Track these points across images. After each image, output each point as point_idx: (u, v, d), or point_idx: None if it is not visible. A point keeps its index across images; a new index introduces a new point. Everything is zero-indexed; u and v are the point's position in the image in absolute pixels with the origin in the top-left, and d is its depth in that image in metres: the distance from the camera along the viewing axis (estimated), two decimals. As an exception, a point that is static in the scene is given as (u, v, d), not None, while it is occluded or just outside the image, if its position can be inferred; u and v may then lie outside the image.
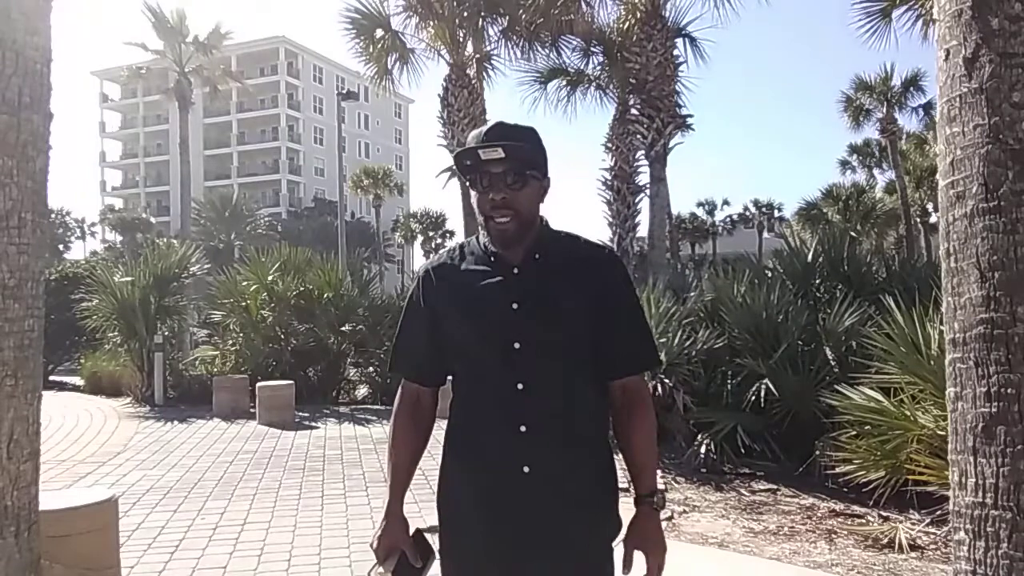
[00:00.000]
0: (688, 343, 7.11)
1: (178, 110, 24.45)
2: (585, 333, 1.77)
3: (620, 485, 1.88)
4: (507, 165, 1.73)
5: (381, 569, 1.81)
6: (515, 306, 1.75)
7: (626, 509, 1.85)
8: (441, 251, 1.97)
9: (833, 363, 6.47)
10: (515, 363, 1.74)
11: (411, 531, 1.87)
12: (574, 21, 14.45)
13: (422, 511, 5.59)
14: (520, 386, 1.73)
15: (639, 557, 1.79)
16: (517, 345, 1.74)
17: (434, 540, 1.89)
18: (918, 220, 34.92)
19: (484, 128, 1.80)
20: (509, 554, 1.75)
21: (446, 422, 1.90)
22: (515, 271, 1.79)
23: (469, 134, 1.83)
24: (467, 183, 1.82)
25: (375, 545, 1.84)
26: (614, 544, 1.81)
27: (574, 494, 1.74)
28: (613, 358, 1.81)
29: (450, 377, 1.90)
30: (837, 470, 5.18)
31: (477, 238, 1.88)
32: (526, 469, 1.72)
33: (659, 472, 6.32)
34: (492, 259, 1.81)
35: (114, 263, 14.46)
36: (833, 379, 5.99)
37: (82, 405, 11.32)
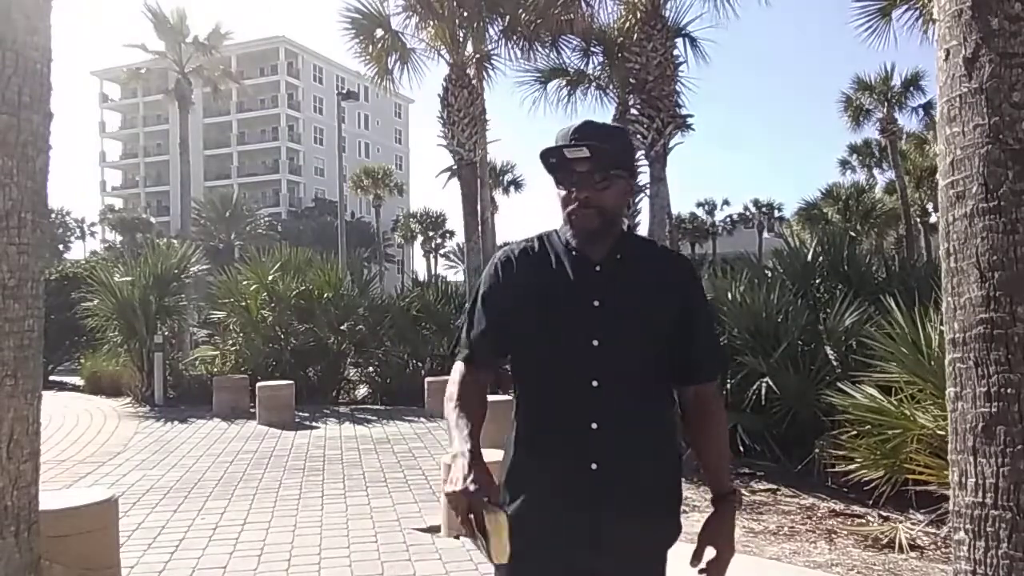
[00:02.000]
0: (688, 343, 7.10)
1: (178, 110, 24.43)
2: (661, 335, 1.78)
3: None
4: (592, 164, 1.73)
5: (484, 512, 1.50)
6: (596, 303, 1.75)
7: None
8: (520, 240, 1.94)
9: (834, 363, 6.46)
10: (592, 360, 1.73)
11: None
12: (574, 21, 14.43)
13: (422, 511, 5.61)
14: (595, 383, 1.72)
15: (709, 553, 1.79)
16: (596, 342, 1.73)
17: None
18: (918, 220, 34.89)
19: (572, 125, 1.80)
20: (574, 551, 1.74)
21: (512, 415, 1.86)
22: (597, 268, 1.79)
23: (558, 130, 1.81)
24: (553, 180, 1.81)
25: (467, 488, 1.54)
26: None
27: (640, 493, 1.74)
28: (690, 365, 1.83)
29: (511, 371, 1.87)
30: (837, 470, 5.18)
31: (557, 232, 1.87)
32: (594, 466, 1.71)
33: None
34: (574, 254, 1.80)
35: (114, 263, 14.45)
36: (833, 379, 5.99)
37: (82, 405, 11.32)
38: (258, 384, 10.17)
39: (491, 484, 1.60)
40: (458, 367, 1.88)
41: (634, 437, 1.74)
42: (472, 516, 1.53)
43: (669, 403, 1.85)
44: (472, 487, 1.54)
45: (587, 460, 1.71)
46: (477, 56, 15.00)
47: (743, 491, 5.84)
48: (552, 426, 1.77)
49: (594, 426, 1.72)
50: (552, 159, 1.76)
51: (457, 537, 4.71)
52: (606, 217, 1.77)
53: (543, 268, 1.82)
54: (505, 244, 2.04)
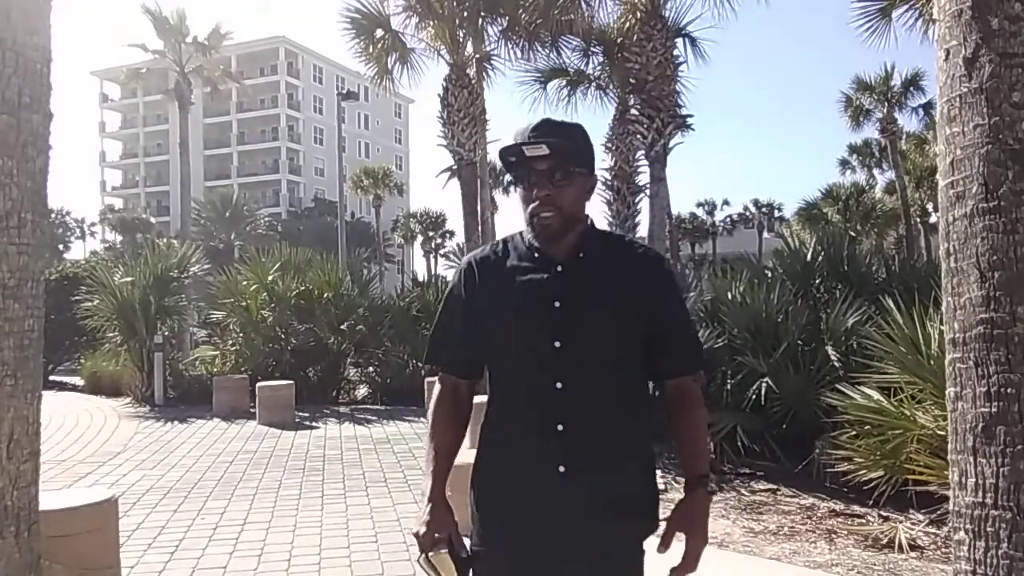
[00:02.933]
0: (688, 343, 7.10)
1: (178, 110, 24.43)
2: (627, 333, 1.76)
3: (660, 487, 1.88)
4: (552, 162, 1.73)
5: (431, 553, 1.72)
6: (557, 304, 1.74)
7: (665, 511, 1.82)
8: (485, 245, 1.96)
9: (834, 363, 6.46)
10: (555, 361, 1.72)
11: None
12: (574, 21, 14.42)
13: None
14: (559, 385, 1.71)
15: (678, 540, 1.75)
16: (558, 344, 1.72)
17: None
18: (918, 220, 34.90)
19: (530, 124, 1.78)
20: (543, 553, 1.73)
21: (482, 418, 1.88)
22: (558, 268, 1.77)
23: (516, 129, 1.80)
24: (512, 179, 1.82)
25: (421, 532, 1.73)
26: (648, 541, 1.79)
27: (609, 494, 1.71)
28: (667, 359, 1.82)
29: (487, 372, 1.89)
30: (837, 470, 5.18)
31: (521, 234, 1.86)
32: (561, 468, 1.70)
33: (659, 472, 6.33)
34: (536, 255, 1.80)
35: (114, 263, 14.46)
36: (833, 379, 5.98)
37: (82, 405, 11.33)
38: (258, 384, 10.17)
39: (445, 527, 1.73)
40: (437, 385, 1.92)
41: (602, 438, 1.72)
42: (428, 555, 1.72)
43: (643, 402, 1.82)
44: (422, 530, 1.73)
45: (554, 462, 1.70)
46: (477, 56, 15.00)
47: (743, 491, 5.84)
48: (519, 428, 1.77)
49: (560, 428, 1.70)
50: (511, 157, 1.75)
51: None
52: (567, 215, 1.76)
53: (506, 271, 1.81)
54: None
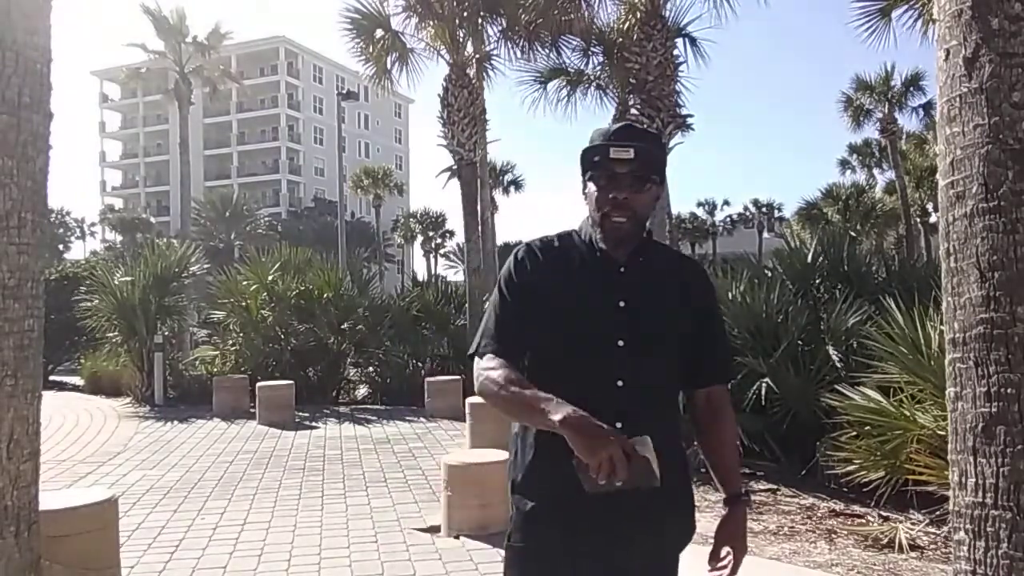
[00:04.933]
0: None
1: (178, 110, 24.44)
2: (679, 337, 1.82)
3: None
4: (633, 167, 1.75)
5: (631, 442, 1.54)
6: (622, 304, 1.78)
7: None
8: (544, 235, 1.91)
9: (834, 363, 6.46)
10: (617, 360, 1.75)
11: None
12: (574, 21, 14.42)
13: (422, 511, 5.61)
14: (620, 383, 1.74)
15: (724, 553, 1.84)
16: (621, 343, 1.75)
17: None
18: (918, 220, 34.89)
19: (613, 126, 1.81)
20: (596, 552, 1.75)
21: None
22: (621, 270, 1.81)
23: (594, 131, 1.82)
24: (586, 177, 1.81)
25: (608, 433, 1.54)
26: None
27: (664, 492, 1.69)
28: (703, 368, 1.88)
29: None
30: (837, 470, 5.18)
31: (580, 232, 1.87)
32: None
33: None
34: (598, 255, 1.82)
35: (114, 263, 14.45)
36: (833, 379, 5.98)
37: (82, 405, 11.33)
38: (258, 384, 10.18)
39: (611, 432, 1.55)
40: (487, 360, 1.78)
41: (658, 435, 1.69)
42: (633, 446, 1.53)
43: (678, 406, 1.90)
44: (606, 429, 1.54)
45: None
46: (477, 56, 15.00)
47: (743, 491, 5.85)
48: None
49: (619, 425, 1.67)
50: (595, 157, 1.77)
51: (457, 537, 4.71)
52: (638, 221, 1.79)
53: (567, 265, 1.82)
54: (505, 244, 2.05)
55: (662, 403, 1.81)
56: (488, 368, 1.76)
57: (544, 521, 1.76)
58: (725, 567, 1.82)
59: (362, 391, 12.28)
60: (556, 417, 1.57)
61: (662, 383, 1.80)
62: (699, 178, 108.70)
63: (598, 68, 16.29)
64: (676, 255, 1.97)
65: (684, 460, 1.88)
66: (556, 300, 1.78)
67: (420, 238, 58.56)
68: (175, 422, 9.83)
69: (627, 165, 1.74)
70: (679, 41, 14.82)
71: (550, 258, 1.83)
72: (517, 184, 47.28)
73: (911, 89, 28.36)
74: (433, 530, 4.99)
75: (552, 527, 1.75)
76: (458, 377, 10.42)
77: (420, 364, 12.13)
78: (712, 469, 1.94)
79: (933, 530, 4.63)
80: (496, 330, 1.81)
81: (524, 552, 1.78)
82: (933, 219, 33.37)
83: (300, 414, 10.11)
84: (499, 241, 21.03)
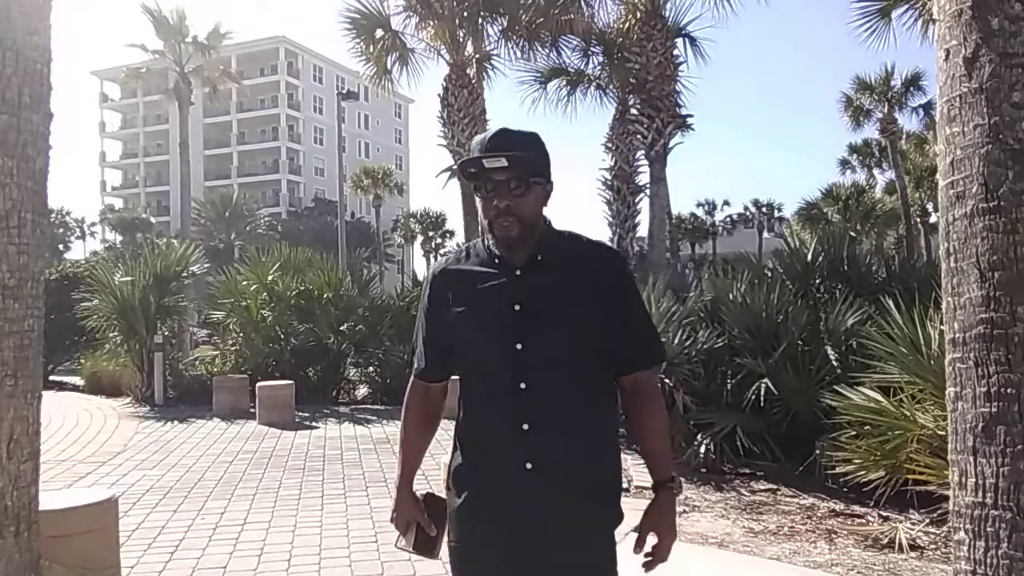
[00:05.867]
0: (688, 343, 7.10)
1: (178, 110, 24.45)
2: (586, 332, 1.82)
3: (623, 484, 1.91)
4: (511, 173, 1.78)
5: (403, 542, 2.00)
6: (517, 307, 1.80)
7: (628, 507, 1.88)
8: (449, 253, 2.05)
9: (834, 363, 6.46)
10: (518, 363, 1.79)
11: (422, 499, 2.00)
12: (574, 21, 14.43)
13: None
14: (523, 385, 1.78)
15: (650, 540, 1.86)
16: (519, 346, 1.79)
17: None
18: (918, 220, 34.93)
19: (488, 135, 1.84)
20: (513, 549, 1.79)
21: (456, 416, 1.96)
22: (518, 272, 1.83)
23: (474, 139, 1.87)
24: (472, 188, 1.86)
25: (393, 519, 2.00)
26: (621, 534, 1.87)
27: (576, 490, 1.79)
28: (624, 356, 1.88)
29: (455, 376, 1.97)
30: (837, 470, 5.18)
31: (482, 240, 1.92)
32: (528, 466, 1.77)
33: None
34: (496, 261, 1.86)
35: (114, 263, 14.44)
36: (833, 379, 5.98)
37: (82, 405, 11.32)
38: (258, 384, 10.17)
39: (412, 514, 1.96)
40: (411, 385, 2.04)
41: (568, 436, 1.79)
42: (402, 538, 2.01)
43: (604, 399, 1.88)
44: (393, 516, 1.99)
45: (522, 460, 1.77)
46: (477, 56, 15.01)
47: (743, 491, 5.85)
48: (487, 429, 1.85)
49: (525, 427, 1.77)
50: (472, 169, 1.80)
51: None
52: (526, 223, 1.81)
53: (469, 277, 1.88)
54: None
55: (576, 402, 1.80)
56: (406, 403, 2.03)
57: (470, 515, 1.86)
58: (651, 554, 1.84)
59: (362, 391, 12.27)
60: (394, 480, 2.02)
61: (573, 382, 1.80)
62: (699, 178, 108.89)
63: (598, 68, 16.31)
64: (586, 243, 1.93)
65: (611, 455, 1.89)
66: (460, 312, 1.86)
67: (420, 238, 58.58)
68: (175, 422, 9.83)
69: (505, 172, 1.77)
70: (679, 41, 14.85)
71: (455, 273, 1.93)
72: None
73: (911, 89, 28.41)
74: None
75: (475, 521, 1.84)
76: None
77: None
78: (642, 456, 1.97)
79: (933, 530, 4.63)
80: (419, 349, 2.00)
81: (458, 551, 1.89)
82: (933, 219, 33.40)
83: (300, 414, 10.11)
84: (499, 241, 20.99)
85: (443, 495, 1.98)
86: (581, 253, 1.89)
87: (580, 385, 1.81)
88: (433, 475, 6.55)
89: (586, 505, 1.80)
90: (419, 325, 2.00)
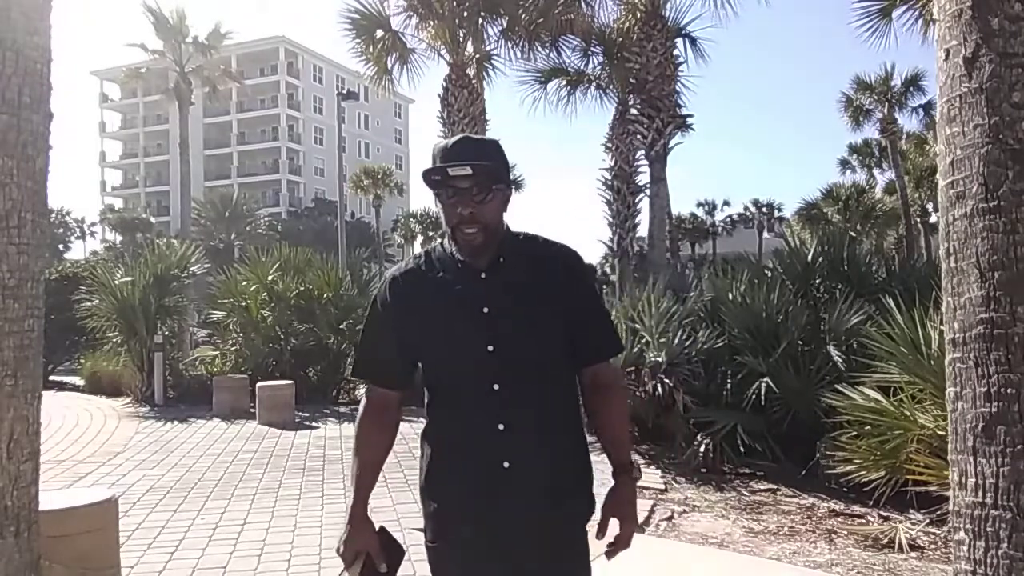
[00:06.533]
0: (688, 343, 7.11)
1: (178, 110, 24.45)
2: (554, 330, 1.86)
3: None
4: (474, 181, 1.80)
5: (349, 569, 1.88)
6: (485, 310, 1.83)
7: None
8: (407, 258, 2.03)
9: (834, 363, 6.46)
10: (490, 365, 1.81)
11: (377, 531, 1.92)
12: (574, 21, 14.44)
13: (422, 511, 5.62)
14: (496, 386, 1.80)
15: (613, 525, 1.89)
16: (491, 348, 1.81)
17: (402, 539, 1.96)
18: (918, 220, 34.92)
19: (450, 142, 1.85)
20: (495, 548, 1.82)
21: (424, 423, 1.96)
22: (482, 276, 1.86)
23: (434, 147, 1.88)
24: (434, 194, 1.87)
25: (341, 550, 1.91)
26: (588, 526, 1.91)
27: (553, 485, 1.83)
28: (582, 349, 1.91)
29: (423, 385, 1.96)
30: (837, 470, 5.18)
31: (442, 245, 1.94)
32: (506, 464, 1.80)
33: (659, 472, 6.33)
34: (459, 266, 1.87)
35: (114, 263, 14.45)
36: (833, 379, 5.98)
37: (82, 405, 11.32)
38: (258, 384, 10.17)
39: (364, 544, 1.88)
40: (368, 396, 2.00)
41: (542, 433, 1.82)
42: (347, 571, 1.91)
43: (573, 394, 1.93)
44: (342, 548, 1.92)
45: (498, 459, 1.80)
46: (477, 56, 15.01)
47: (743, 491, 5.85)
48: (462, 430, 1.86)
49: (500, 427, 1.80)
50: (435, 176, 1.81)
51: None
52: (489, 230, 1.84)
53: (433, 283, 1.89)
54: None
55: (548, 398, 1.84)
56: (361, 414, 1.97)
57: (447, 514, 1.87)
58: (613, 540, 1.86)
59: (362, 391, 12.26)
60: (349, 507, 1.93)
61: (544, 379, 1.84)
62: (699, 178, 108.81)
63: (598, 68, 16.31)
64: (547, 243, 1.97)
65: (581, 449, 1.91)
66: (426, 318, 1.87)
67: (420, 238, 58.53)
68: (175, 422, 9.83)
69: (467, 180, 1.79)
70: (679, 41, 14.85)
71: (414, 279, 1.93)
72: (517, 184, 47.28)
73: (911, 89, 28.41)
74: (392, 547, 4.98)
75: (453, 520, 1.86)
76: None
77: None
78: (602, 443, 1.98)
79: (933, 530, 4.63)
80: (374, 357, 1.99)
81: (436, 550, 1.90)
82: (933, 219, 33.40)
83: (300, 414, 10.11)
84: (499, 241, 20.96)
85: (398, 537, 1.93)
86: (540, 254, 1.93)
87: (553, 384, 1.86)
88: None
89: (562, 501, 1.84)
90: (372, 332, 1.99)
